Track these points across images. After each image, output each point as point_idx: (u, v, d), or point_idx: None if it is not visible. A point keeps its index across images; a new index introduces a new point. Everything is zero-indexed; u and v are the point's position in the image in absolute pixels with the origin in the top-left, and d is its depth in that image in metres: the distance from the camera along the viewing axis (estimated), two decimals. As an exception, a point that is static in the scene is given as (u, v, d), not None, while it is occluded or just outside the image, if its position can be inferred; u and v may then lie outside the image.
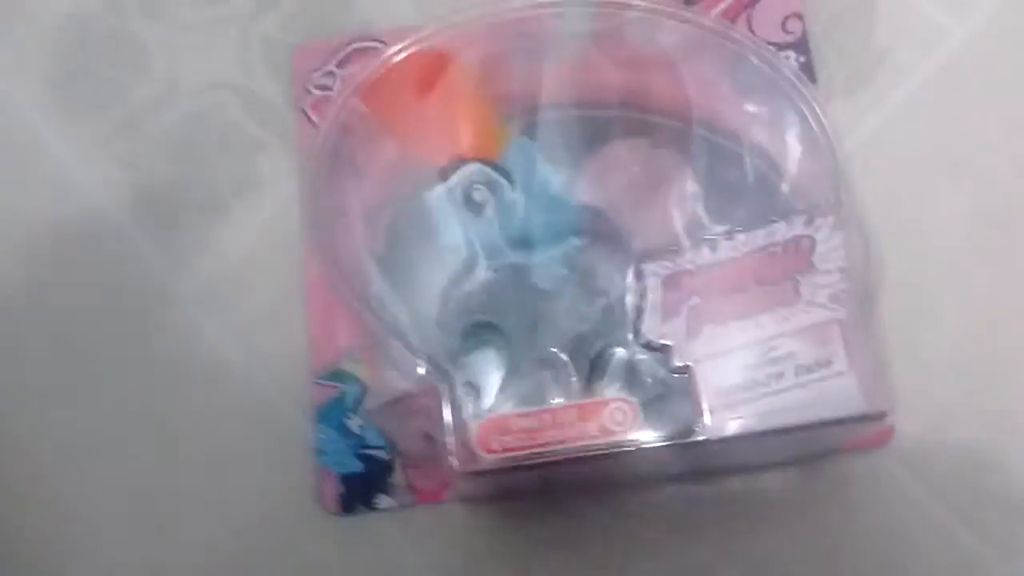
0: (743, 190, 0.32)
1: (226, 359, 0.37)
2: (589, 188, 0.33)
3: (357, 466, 0.35)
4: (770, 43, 0.37)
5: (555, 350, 0.30)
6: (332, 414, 0.36)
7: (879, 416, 0.26)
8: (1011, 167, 0.36)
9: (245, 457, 0.36)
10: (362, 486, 0.35)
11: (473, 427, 0.27)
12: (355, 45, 0.38)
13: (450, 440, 0.27)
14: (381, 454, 0.35)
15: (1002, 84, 0.37)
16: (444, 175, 0.31)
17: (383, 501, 0.35)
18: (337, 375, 0.36)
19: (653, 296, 0.28)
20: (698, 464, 0.31)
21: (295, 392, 0.36)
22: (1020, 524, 0.33)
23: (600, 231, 0.32)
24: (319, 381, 0.36)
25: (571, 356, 0.30)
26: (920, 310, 0.35)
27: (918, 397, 0.34)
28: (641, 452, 0.27)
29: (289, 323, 0.37)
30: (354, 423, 0.35)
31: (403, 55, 0.32)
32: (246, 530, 0.35)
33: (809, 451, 0.32)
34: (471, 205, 0.31)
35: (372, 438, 0.35)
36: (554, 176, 0.31)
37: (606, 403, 0.27)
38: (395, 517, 0.35)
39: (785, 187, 0.32)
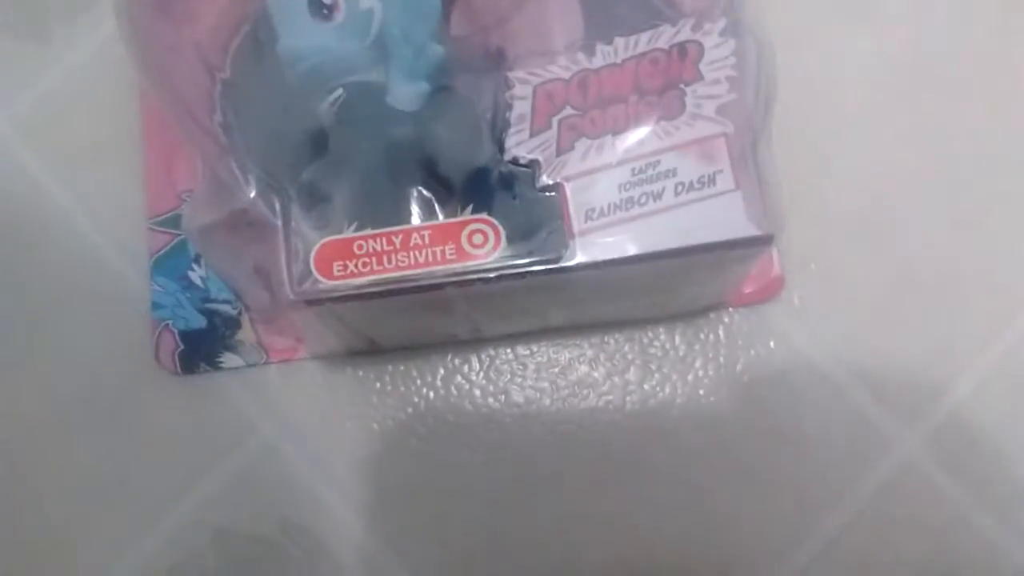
0: (633, 17, 0.28)
1: (52, 201, 0.33)
2: (464, 11, 0.29)
3: (199, 321, 0.31)
4: None
5: (416, 170, 0.26)
6: (171, 264, 0.32)
7: (766, 240, 0.24)
8: (915, 15, 0.34)
9: (74, 309, 0.32)
10: (205, 343, 0.31)
11: (311, 250, 0.24)
12: None
13: (283, 264, 0.23)
14: (227, 308, 0.32)
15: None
16: (288, -27, 0.26)
17: (229, 359, 0.31)
18: (176, 221, 0.32)
19: (521, 107, 0.25)
20: (573, 305, 0.29)
21: (130, 239, 0.32)
22: (915, 386, 0.31)
23: (472, 49, 0.28)
24: (155, 227, 0.32)
25: (433, 178, 0.26)
26: (819, 158, 0.33)
27: (813, 249, 0.32)
28: (505, 282, 0.24)
29: (123, 162, 0.33)
30: (196, 275, 0.32)
31: None
32: (78, 390, 0.32)
33: (697, 293, 0.30)
34: (317, 8, 0.26)
35: (216, 290, 0.32)
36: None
37: (464, 224, 0.24)
38: (241, 377, 0.31)
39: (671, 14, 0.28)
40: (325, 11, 0.27)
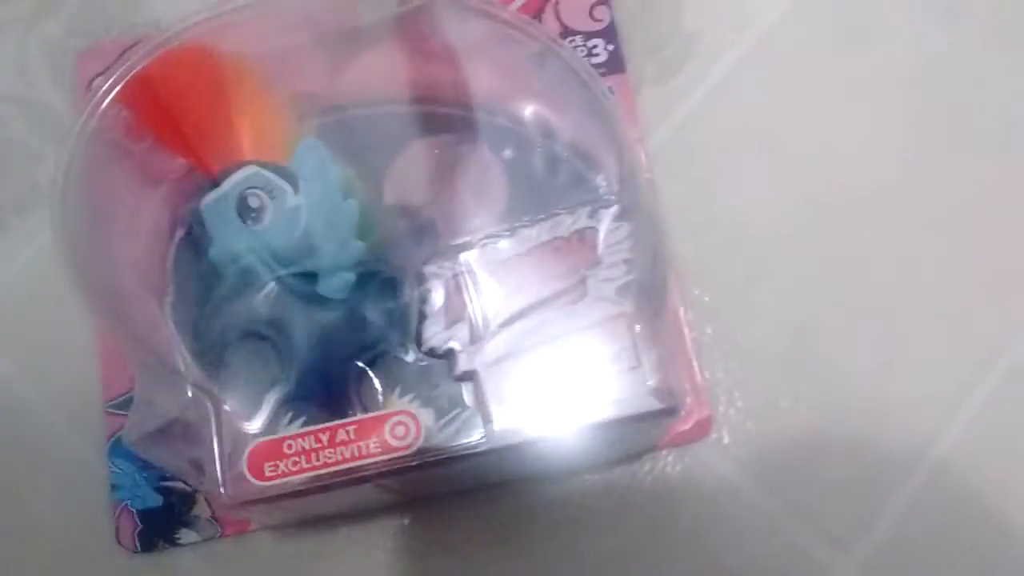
0: (556, 187, 0.30)
1: (11, 389, 0.34)
2: (396, 188, 0.32)
3: (155, 500, 0.33)
4: (579, 32, 0.37)
5: (350, 362, 0.28)
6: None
7: (671, 411, 0.25)
8: (825, 151, 0.36)
9: (36, 494, 0.34)
10: (162, 521, 0.33)
11: (243, 453, 0.25)
12: (137, 48, 0.35)
13: (217, 468, 0.25)
14: (182, 486, 0.33)
15: (812, 66, 0.37)
16: (217, 182, 0.28)
17: (186, 535, 0.33)
18: (130, 403, 0.33)
19: (435, 299, 0.26)
20: (508, 470, 0.30)
21: (88, 422, 0.34)
22: (849, 512, 0.32)
23: (402, 233, 0.30)
24: (111, 410, 0.33)
25: (363, 369, 0.28)
26: (739, 295, 0.34)
27: (738, 387, 0.34)
28: (430, 466, 0.25)
29: (78, 349, 0.34)
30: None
31: (164, 49, 0.29)
32: (37, 572, 0.33)
33: (622, 450, 0.31)
34: (246, 212, 0.28)
35: (172, 468, 0.33)
36: (334, 177, 0.29)
37: (388, 417, 0.25)
38: (199, 552, 0.33)
39: (598, 181, 0.30)
40: (254, 214, 0.29)
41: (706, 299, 0.34)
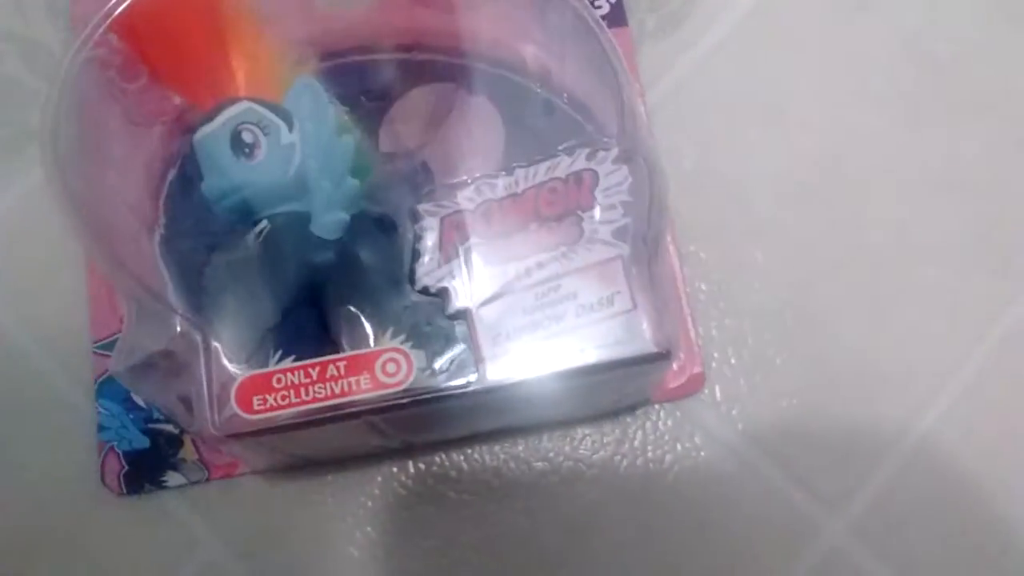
0: (553, 135, 0.30)
1: (1, 326, 0.34)
2: (394, 133, 0.31)
3: (143, 442, 0.33)
4: (581, -16, 0.36)
5: (341, 302, 0.28)
6: (115, 386, 0.33)
7: (666, 355, 0.25)
8: (822, 111, 0.36)
9: (22, 433, 0.33)
10: (149, 463, 0.32)
11: (232, 385, 0.25)
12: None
13: (205, 400, 0.25)
14: (170, 428, 0.33)
15: (814, 26, 0.37)
16: (210, 116, 0.28)
17: (173, 478, 0.32)
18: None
19: (429, 238, 0.26)
20: (499, 416, 0.30)
21: (75, 363, 0.33)
22: (840, 472, 0.32)
23: (401, 176, 0.30)
24: (99, 351, 0.33)
25: (360, 309, 0.28)
26: (736, 254, 0.34)
27: (731, 345, 0.33)
28: (419, 404, 0.25)
29: (67, 288, 0.34)
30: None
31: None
32: (25, 513, 0.33)
33: (614, 399, 0.31)
34: (239, 147, 0.28)
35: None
36: (331, 115, 0.28)
37: (379, 354, 0.25)
38: (185, 495, 0.32)
39: (591, 130, 0.30)
40: (247, 149, 0.28)
41: (702, 256, 0.34)
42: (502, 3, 0.33)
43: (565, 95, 0.31)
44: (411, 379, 0.25)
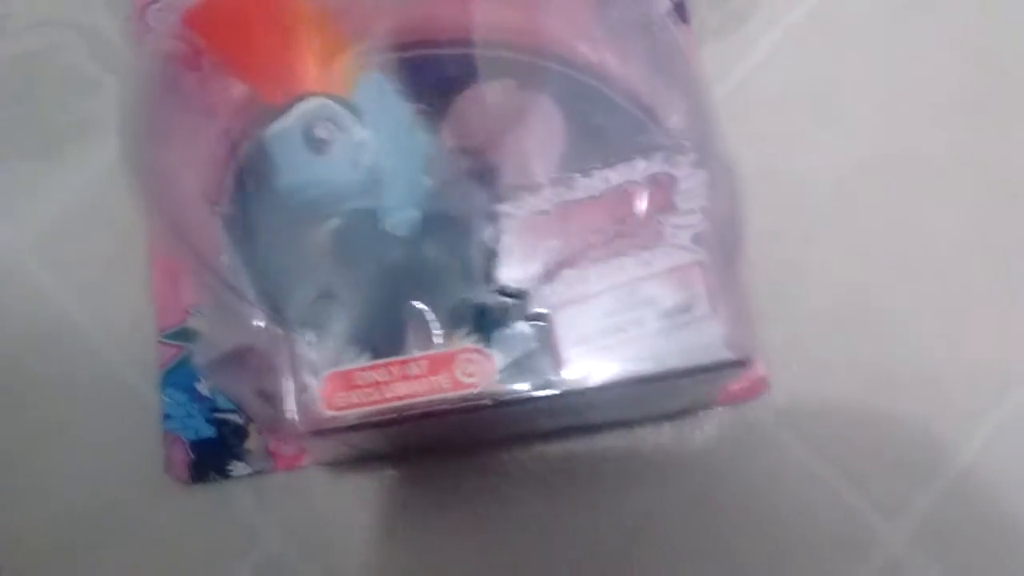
0: (613, 133, 0.30)
1: (66, 317, 0.35)
2: (455, 129, 0.31)
3: (208, 431, 0.33)
4: (644, -18, 0.36)
5: (411, 300, 0.28)
6: (180, 376, 0.33)
7: (742, 363, 0.25)
8: (881, 114, 0.36)
9: (88, 423, 0.34)
10: (214, 453, 0.33)
11: (315, 382, 0.25)
12: (197, -26, 0.35)
13: (290, 397, 0.25)
14: (235, 418, 0.33)
15: (873, 30, 0.37)
16: (283, 111, 0.28)
17: (238, 468, 0.33)
18: (184, 334, 0.33)
19: (508, 239, 0.26)
20: (565, 417, 0.30)
21: (141, 353, 0.34)
22: (901, 477, 0.32)
23: (465, 174, 0.30)
24: (165, 340, 0.33)
25: (428, 305, 0.28)
26: (793, 259, 0.34)
27: (792, 349, 0.34)
28: (498, 405, 0.25)
29: (132, 278, 0.34)
30: (205, 385, 0.33)
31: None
32: (90, 501, 0.33)
33: (680, 403, 0.31)
34: (313, 143, 0.28)
35: (225, 401, 0.33)
36: (405, 113, 0.29)
37: (458, 354, 0.25)
38: (251, 485, 0.33)
39: (657, 129, 0.30)
40: (320, 146, 0.28)
41: (762, 257, 0.34)
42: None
43: (628, 94, 0.31)
44: (489, 381, 0.25)
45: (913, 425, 0.33)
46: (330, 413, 0.25)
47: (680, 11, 0.36)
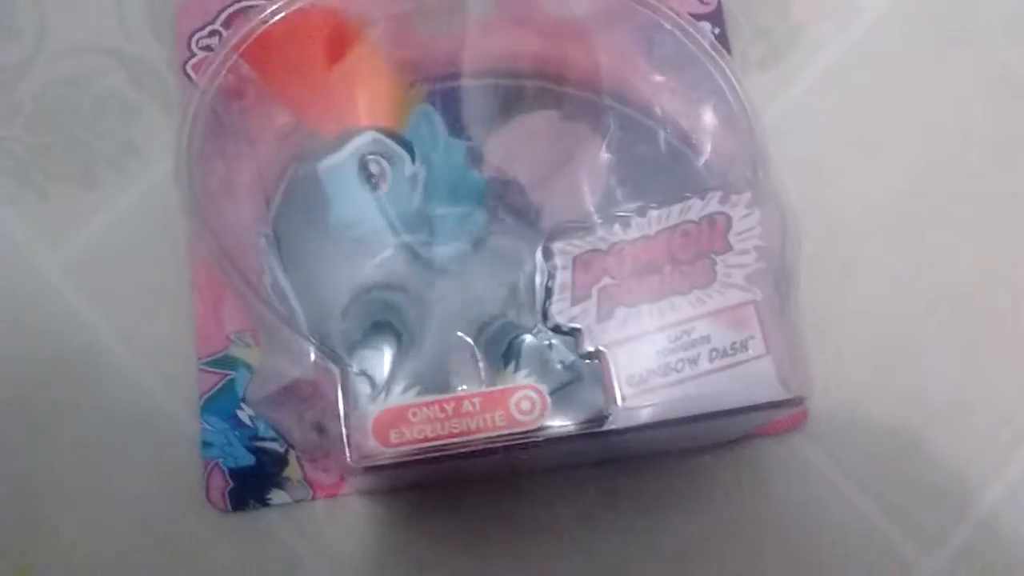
0: (657, 165, 0.30)
1: (104, 344, 0.34)
2: (498, 161, 0.31)
3: (248, 459, 0.33)
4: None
5: (460, 334, 0.28)
6: (220, 403, 0.33)
7: (797, 402, 0.25)
8: (924, 144, 0.36)
9: (126, 450, 0.34)
10: (254, 481, 0.33)
11: (368, 418, 0.25)
12: (243, 2, 0.35)
13: (344, 433, 0.25)
14: (275, 446, 0.33)
15: (913, 64, 0.37)
16: (337, 146, 0.28)
17: (277, 496, 0.33)
18: (225, 361, 0.33)
19: (562, 277, 0.26)
20: (611, 451, 0.30)
21: (180, 380, 0.34)
22: (938, 508, 0.33)
23: (509, 207, 0.30)
24: (205, 368, 0.33)
25: (477, 341, 0.28)
26: (833, 288, 0.35)
27: (832, 378, 0.34)
28: (551, 442, 0.25)
29: (173, 305, 0.34)
30: (245, 413, 0.33)
31: (287, 11, 0.29)
32: (129, 529, 0.33)
33: (724, 436, 0.31)
34: (366, 178, 0.28)
35: (265, 429, 0.33)
36: (460, 148, 0.29)
37: (513, 391, 0.25)
38: (290, 513, 0.33)
39: (701, 163, 0.30)
40: (373, 180, 0.29)
41: (802, 289, 0.34)
42: (612, 31, 0.33)
43: (670, 125, 0.31)
44: (545, 416, 0.25)
45: (949, 457, 0.33)
46: (382, 449, 0.25)
47: (722, 42, 0.36)
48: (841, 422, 0.33)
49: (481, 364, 0.28)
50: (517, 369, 0.27)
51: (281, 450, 0.33)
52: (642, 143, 0.31)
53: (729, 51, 0.36)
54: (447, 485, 0.33)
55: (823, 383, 0.34)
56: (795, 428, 0.33)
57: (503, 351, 0.27)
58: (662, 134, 0.31)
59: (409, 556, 0.32)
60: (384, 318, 0.28)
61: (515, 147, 0.32)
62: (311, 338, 0.26)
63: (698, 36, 0.29)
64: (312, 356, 0.26)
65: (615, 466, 0.33)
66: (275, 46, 0.30)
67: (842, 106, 0.36)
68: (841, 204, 0.36)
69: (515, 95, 0.32)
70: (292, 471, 0.33)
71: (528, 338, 0.27)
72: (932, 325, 0.34)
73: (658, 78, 0.32)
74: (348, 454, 0.25)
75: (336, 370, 0.26)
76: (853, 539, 0.32)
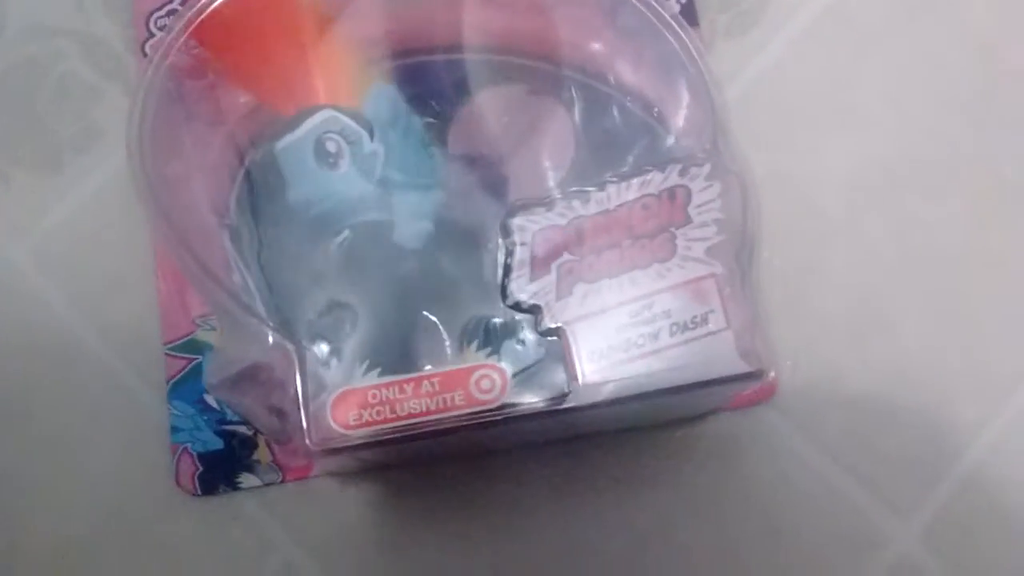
0: (623, 139, 0.30)
1: (70, 330, 0.34)
2: (460, 138, 0.31)
3: (216, 443, 0.33)
4: (651, -17, 0.36)
5: (426, 313, 0.28)
6: (187, 388, 0.33)
7: (758, 375, 0.25)
8: (894, 114, 0.36)
9: (95, 436, 0.33)
10: (223, 464, 0.33)
11: (327, 400, 0.25)
12: (200, -19, 0.34)
13: (302, 416, 0.25)
14: (243, 430, 0.33)
15: (885, 30, 0.36)
16: (293, 125, 0.28)
17: (247, 480, 0.33)
18: (191, 345, 0.33)
19: (521, 253, 0.26)
20: (577, 427, 0.30)
21: (147, 365, 0.34)
22: (910, 479, 0.32)
23: (476, 182, 0.30)
24: (172, 352, 0.33)
25: (440, 319, 0.28)
26: (804, 261, 0.34)
27: (803, 351, 0.33)
28: (512, 420, 0.25)
29: (138, 290, 0.34)
30: (212, 397, 0.33)
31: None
32: (98, 515, 0.33)
33: (693, 410, 0.31)
34: (323, 157, 0.28)
35: (233, 413, 0.33)
36: (418, 125, 0.28)
37: (473, 370, 0.25)
38: (260, 496, 0.33)
39: (669, 137, 0.30)
40: (331, 159, 0.28)
41: (775, 262, 0.34)
42: (576, 3, 0.32)
43: (638, 99, 0.31)
44: (505, 395, 0.25)
45: (922, 425, 0.33)
46: (341, 431, 0.25)
47: (689, 12, 0.36)
48: (812, 394, 0.33)
49: (447, 343, 0.27)
50: (481, 348, 0.27)
51: (250, 433, 0.33)
52: (609, 116, 0.31)
53: (697, 20, 0.36)
54: (419, 465, 0.33)
55: (793, 354, 0.33)
56: (763, 401, 0.33)
57: (466, 330, 0.27)
58: (628, 108, 0.30)
59: (381, 536, 0.32)
60: (345, 299, 0.28)
61: (477, 124, 0.31)
62: (268, 321, 0.26)
63: (659, 8, 0.29)
64: (271, 339, 0.26)
65: (586, 442, 0.33)
66: (231, 24, 0.30)
67: (813, 73, 0.36)
68: (813, 174, 0.35)
69: (477, 70, 0.32)
70: (262, 454, 0.33)
71: (489, 316, 0.27)
72: (906, 295, 0.34)
73: (622, 50, 0.32)
74: (308, 437, 0.25)
75: (294, 352, 0.25)
76: (826, 509, 0.32)
